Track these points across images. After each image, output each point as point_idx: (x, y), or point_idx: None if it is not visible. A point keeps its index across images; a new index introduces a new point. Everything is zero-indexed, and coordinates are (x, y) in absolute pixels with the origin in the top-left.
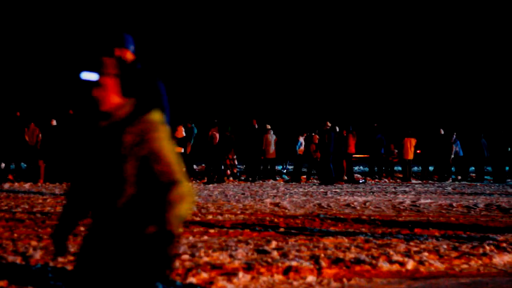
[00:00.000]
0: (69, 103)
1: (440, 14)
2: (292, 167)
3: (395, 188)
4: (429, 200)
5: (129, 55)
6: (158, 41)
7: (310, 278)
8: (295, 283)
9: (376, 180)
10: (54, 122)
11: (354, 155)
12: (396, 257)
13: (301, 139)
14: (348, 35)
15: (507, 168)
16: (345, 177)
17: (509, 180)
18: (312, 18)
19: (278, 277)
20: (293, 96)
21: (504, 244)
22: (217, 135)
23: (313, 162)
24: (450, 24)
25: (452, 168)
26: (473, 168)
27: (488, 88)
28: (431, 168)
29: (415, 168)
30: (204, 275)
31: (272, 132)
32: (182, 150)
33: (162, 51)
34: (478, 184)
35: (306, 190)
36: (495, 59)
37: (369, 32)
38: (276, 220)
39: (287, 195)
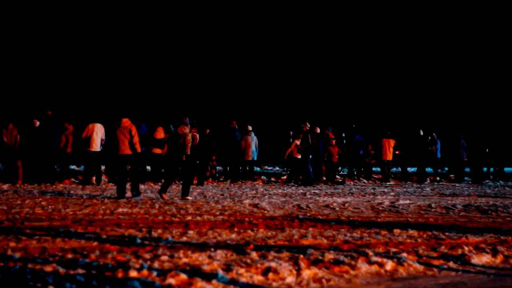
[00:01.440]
0: (48, 104)
1: (419, 16)
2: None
3: (374, 189)
4: (408, 201)
5: None
6: (138, 43)
7: (289, 279)
8: (274, 284)
9: (355, 181)
10: (38, 123)
11: None
12: (375, 258)
13: (299, 141)
14: (326, 36)
15: (484, 169)
16: (324, 178)
17: (487, 181)
18: (290, 21)
19: (257, 278)
20: (270, 96)
21: (483, 245)
22: (198, 136)
23: (330, 165)
24: (428, 25)
25: (430, 169)
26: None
27: (468, 89)
28: (409, 170)
29: (394, 169)
30: (183, 276)
31: (253, 134)
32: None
33: (143, 52)
34: (457, 185)
35: (285, 191)
36: (475, 62)
37: (347, 33)
38: (255, 221)
39: (266, 196)
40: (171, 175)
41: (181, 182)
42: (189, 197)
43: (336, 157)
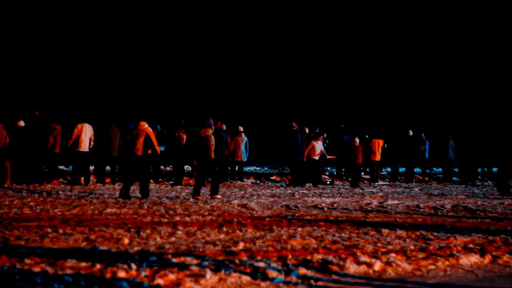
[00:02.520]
0: (36, 104)
1: (406, 17)
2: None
3: (362, 189)
4: (396, 201)
5: None
6: (124, 43)
7: (278, 280)
8: (262, 284)
9: (344, 181)
10: (22, 123)
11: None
12: (364, 258)
13: (317, 143)
14: (314, 37)
15: (479, 170)
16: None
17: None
18: (279, 23)
19: (246, 279)
20: (260, 97)
21: (471, 245)
22: (184, 136)
23: (354, 166)
24: (416, 25)
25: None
26: (440, 169)
27: (457, 89)
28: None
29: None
30: (172, 277)
31: (243, 135)
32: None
33: (129, 52)
34: (445, 185)
35: (274, 192)
36: (465, 62)
37: (335, 34)
38: (243, 221)
39: (255, 197)
40: (202, 176)
41: (196, 181)
42: (218, 196)
43: (360, 159)
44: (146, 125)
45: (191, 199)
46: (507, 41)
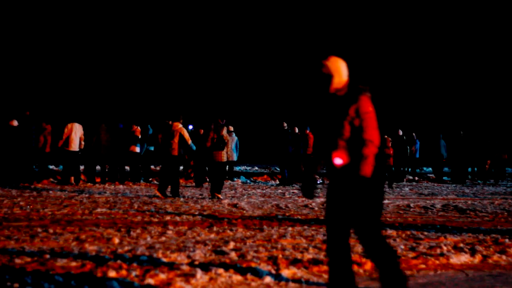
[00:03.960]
0: (26, 104)
1: (396, 17)
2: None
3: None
4: (386, 201)
5: None
6: (115, 43)
7: (268, 279)
8: (253, 283)
9: None
10: (15, 123)
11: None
12: (354, 258)
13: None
14: (304, 36)
15: (469, 169)
16: None
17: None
18: (270, 25)
19: (236, 278)
20: (249, 97)
21: (461, 244)
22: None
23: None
24: (408, 25)
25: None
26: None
27: (448, 89)
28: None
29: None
30: (162, 276)
31: (234, 134)
32: (138, 150)
33: (119, 52)
34: (436, 184)
35: (264, 191)
36: (455, 62)
37: (325, 34)
38: (234, 221)
39: (245, 196)
40: (221, 175)
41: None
42: (221, 196)
43: (392, 159)
44: (180, 126)
45: (208, 198)
46: (497, 43)
